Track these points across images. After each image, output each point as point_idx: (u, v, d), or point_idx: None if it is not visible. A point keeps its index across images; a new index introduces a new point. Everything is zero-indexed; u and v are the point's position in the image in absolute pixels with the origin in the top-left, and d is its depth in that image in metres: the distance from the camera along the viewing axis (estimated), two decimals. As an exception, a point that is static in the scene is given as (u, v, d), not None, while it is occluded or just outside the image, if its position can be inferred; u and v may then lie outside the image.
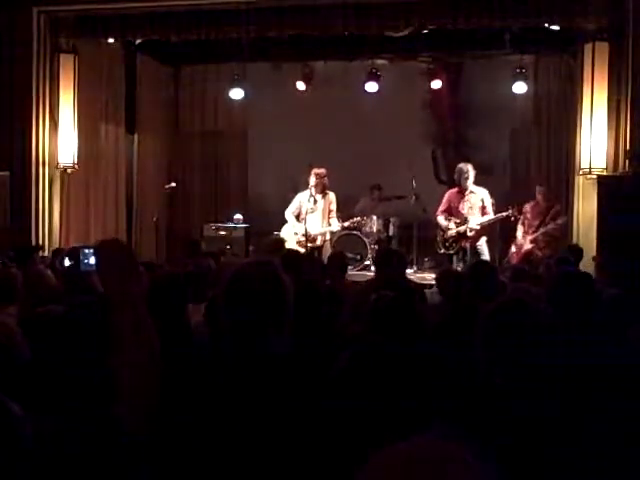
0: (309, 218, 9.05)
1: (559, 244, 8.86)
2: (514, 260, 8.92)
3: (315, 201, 9.13)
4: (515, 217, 8.88)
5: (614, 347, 3.02)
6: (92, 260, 2.08)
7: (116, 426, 2.09)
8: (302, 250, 8.83)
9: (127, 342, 2.03)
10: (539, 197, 9.13)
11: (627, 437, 2.35)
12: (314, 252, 9.01)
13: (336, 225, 9.34)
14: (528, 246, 9.01)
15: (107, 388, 2.19)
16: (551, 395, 2.42)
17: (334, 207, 9.26)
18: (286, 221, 9.34)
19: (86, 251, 2.10)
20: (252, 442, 2.00)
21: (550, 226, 8.95)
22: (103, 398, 2.47)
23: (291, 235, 9.13)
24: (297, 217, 9.25)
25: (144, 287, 3.00)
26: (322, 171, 9.11)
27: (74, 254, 2.16)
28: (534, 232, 9.02)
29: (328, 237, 9.40)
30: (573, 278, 3.28)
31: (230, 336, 2.20)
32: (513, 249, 9.24)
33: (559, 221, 8.95)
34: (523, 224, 9.16)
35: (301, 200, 9.22)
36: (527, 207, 9.14)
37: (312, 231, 9.09)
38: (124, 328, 2.03)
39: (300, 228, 9.12)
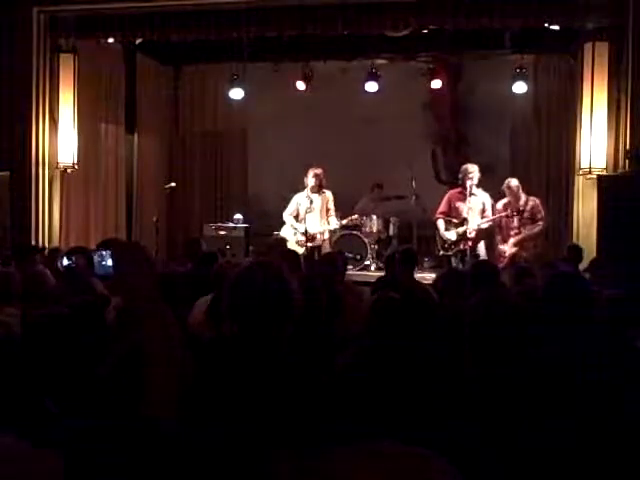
0: (307, 218, 9.06)
1: (545, 242, 8.77)
2: (500, 265, 8.55)
3: (312, 201, 9.15)
4: (514, 215, 8.63)
5: (612, 348, 3.02)
6: (109, 262, 2.07)
7: (145, 426, 2.09)
8: (302, 250, 8.84)
9: (155, 342, 2.03)
10: (510, 197, 8.57)
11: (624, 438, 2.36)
12: (314, 251, 9.03)
13: (335, 223, 9.35)
14: (512, 250, 8.53)
15: (108, 388, 2.19)
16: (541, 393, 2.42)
17: (332, 205, 9.27)
18: (284, 223, 9.35)
19: (103, 253, 2.08)
20: (254, 442, 1.99)
21: (529, 227, 8.53)
22: (103, 398, 2.47)
23: (290, 235, 9.14)
24: (296, 218, 9.26)
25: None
26: (320, 171, 9.14)
27: (73, 255, 2.15)
28: (516, 234, 8.58)
29: (327, 236, 9.41)
30: (564, 280, 3.27)
31: (234, 337, 2.19)
32: (497, 254, 8.80)
33: (539, 216, 8.54)
34: (500, 229, 8.73)
35: (298, 201, 9.24)
36: (500, 207, 8.66)
37: (311, 230, 9.10)
38: (149, 327, 2.04)
39: (299, 227, 9.14)
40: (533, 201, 8.64)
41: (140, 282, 2.05)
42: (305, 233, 9.02)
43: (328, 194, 9.25)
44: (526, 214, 8.54)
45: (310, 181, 9.12)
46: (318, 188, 9.15)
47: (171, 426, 2.01)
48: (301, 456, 1.83)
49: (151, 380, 2.02)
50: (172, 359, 2.03)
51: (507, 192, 8.63)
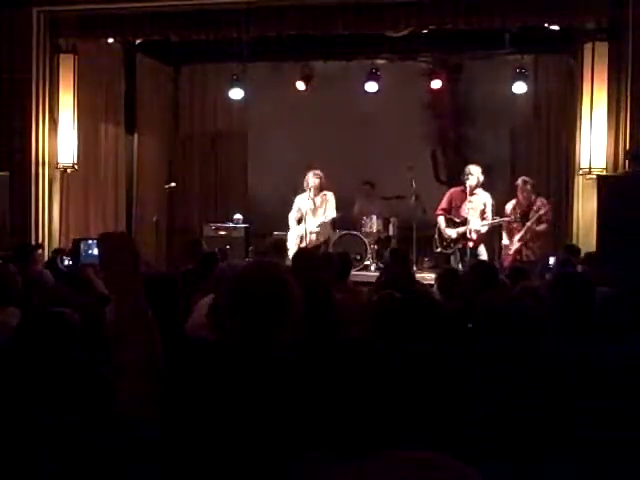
0: (309, 219, 9.19)
1: (548, 240, 8.80)
2: (505, 262, 8.67)
3: (314, 202, 9.26)
4: (516, 221, 8.65)
5: (612, 346, 3.02)
6: (95, 252, 2.07)
7: (119, 425, 2.09)
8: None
9: (128, 334, 2.02)
10: (520, 196, 8.67)
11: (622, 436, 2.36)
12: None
13: (332, 213, 9.41)
14: (516, 245, 8.64)
15: (107, 388, 2.19)
16: (549, 393, 2.43)
17: (332, 206, 9.38)
18: (286, 224, 9.48)
19: (89, 242, 2.08)
20: (251, 445, 1.98)
21: (534, 222, 8.58)
22: (103, 398, 2.47)
23: (294, 240, 9.27)
24: (300, 221, 9.38)
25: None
26: (319, 172, 9.26)
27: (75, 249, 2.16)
28: (519, 231, 8.65)
29: (329, 235, 9.52)
30: (573, 280, 3.28)
31: (233, 339, 2.18)
32: (503, 252, 8.97)
33: (541, 211, 8.57)
34: (507, 228, 8.81)
35: (300, 204, 9.38)
36: (508, 209, 8.76)
37: (312, 230, 9.22)
38: (125, 321, 2.03)
39: (300, 230, 9.29)
40: (541, 202, 8.69)
41: (121, 273, 2.05)
42: (300, 238, 9.18)
43: (329, 196, 9.35)
44: (532, 214, 8.56)
45: (311, 182, 9.21)
46: (319, 189, 9.26)
47: (151, 428, 2.00)
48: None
49: (124, 373, 2.02)
50: (151, 360, 2.02)
51: (519, 191, 8.66)
